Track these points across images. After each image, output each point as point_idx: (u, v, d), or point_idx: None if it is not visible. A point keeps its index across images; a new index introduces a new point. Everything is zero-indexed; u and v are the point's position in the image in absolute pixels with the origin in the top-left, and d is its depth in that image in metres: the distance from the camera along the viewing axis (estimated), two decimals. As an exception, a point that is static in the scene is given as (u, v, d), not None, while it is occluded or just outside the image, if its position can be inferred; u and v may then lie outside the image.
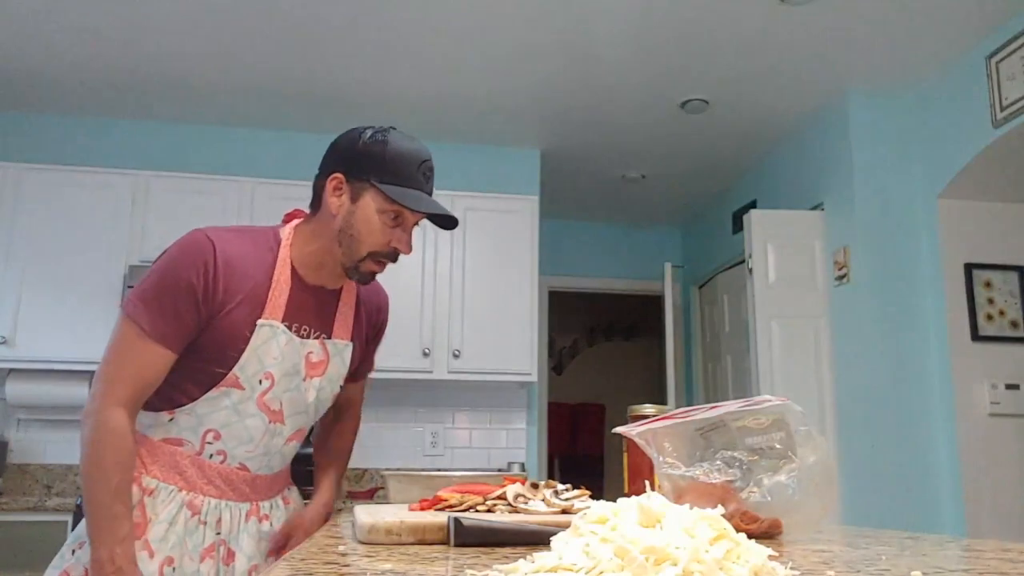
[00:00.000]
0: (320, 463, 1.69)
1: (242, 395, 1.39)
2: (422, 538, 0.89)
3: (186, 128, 4.14)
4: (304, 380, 1.45)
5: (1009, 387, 3.40)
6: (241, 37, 3.32)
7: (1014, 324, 3.49)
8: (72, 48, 3.41)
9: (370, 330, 1.61)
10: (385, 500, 1.53)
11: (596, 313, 7.77)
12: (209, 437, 1.40)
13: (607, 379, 7.88)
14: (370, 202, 1.39)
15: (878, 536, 1.05)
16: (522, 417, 4.24)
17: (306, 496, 1.63)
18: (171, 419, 1.40)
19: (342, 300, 1.52)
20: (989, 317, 3.46)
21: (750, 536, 0.60)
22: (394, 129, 1.43)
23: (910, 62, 3.43)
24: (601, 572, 0.52)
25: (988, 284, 3.49)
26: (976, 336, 3.43)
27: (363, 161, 1.39)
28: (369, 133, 1.41)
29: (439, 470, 3.97)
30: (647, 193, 5.06)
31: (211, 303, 1.34)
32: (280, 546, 1.49)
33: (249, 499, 1.46)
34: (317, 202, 1.45)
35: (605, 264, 5.56)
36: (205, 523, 1.40)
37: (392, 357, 3.63)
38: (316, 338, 1.46)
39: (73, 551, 1.39)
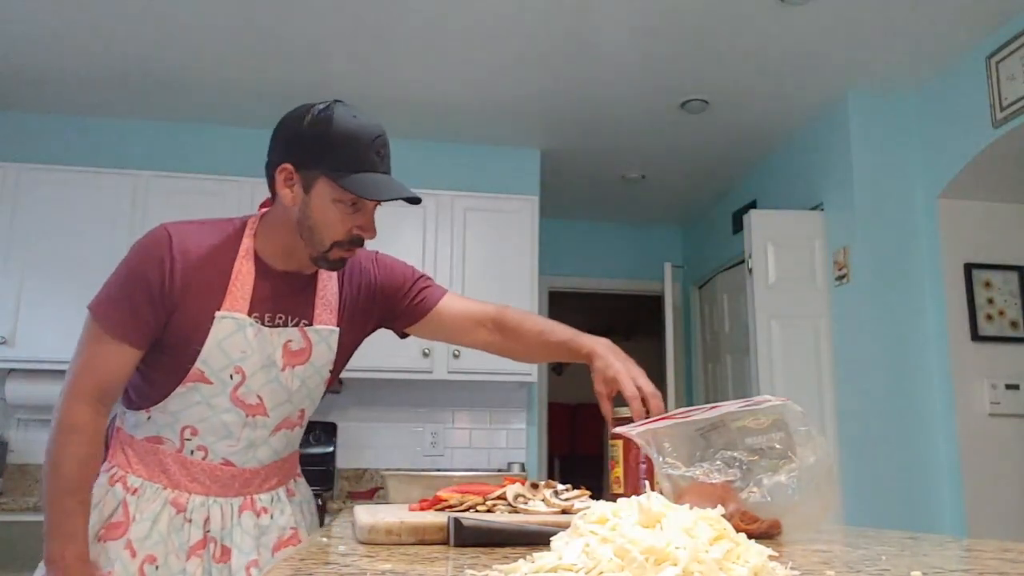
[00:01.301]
0: (539, 338, 1.52)
1: (212, 390, 1.35)
2: (422, 538, 0.89)
3: (186, 128, 4.14)
4: (282, 371, 1.39)
5: (1009, 387, 3.40)
6: (242, 38, 3.32)
7: (1014, 324, 3.49)
8: (72, 48, 3.41)
9: (368, 295, 1.52)
10: (385, 500, 1.53)
11: (596, 313, 7.76)
12: (187, 433, 1.38)
13: (607, 379, 7.87)
14: (323, 192, 1.30)
15: (878, 536, 1.05)
16: (522, 417, 4.24)
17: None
18: (148, 417, 1.39)
19: (320, 284, 1.45)
20: (989, 317, 3.46)
21: (750, 536, 0.60)
22: (340, 103, 1.32)
23: (910, 62, 3.43)
24: (601, 572, 0.52)
25: (988, 284, 3.49)
26: (976, 336, 3.43)
27: (310, 148, 1.29)
28: (312, 115, 1.30)
29: (439, 470, 3.97)
30: (647, 193, 5.06)
31: (168, 298, 1.32)
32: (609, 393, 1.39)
33: (241, 493, 1.43)
34: (273, 192, 1.38)
35: (605, 264, 5.56)
36: (191, 521, 1.38)
37: (392, 357, 3.63)
38: (295, 326, 1.40)
39: None
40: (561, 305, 5.87)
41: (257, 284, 1.37)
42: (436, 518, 0.93)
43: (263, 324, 1.38)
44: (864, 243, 3.57)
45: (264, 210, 1.44)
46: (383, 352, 3.66)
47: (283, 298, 1.40)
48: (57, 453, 1.31)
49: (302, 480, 1.60)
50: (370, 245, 1.57)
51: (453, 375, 3.81)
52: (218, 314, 1.33)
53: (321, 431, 3.82)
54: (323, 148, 1.29)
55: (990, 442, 3.35)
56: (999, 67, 3.12)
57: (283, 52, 3.43)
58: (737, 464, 0.99)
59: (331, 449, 3.83)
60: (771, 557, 0.56)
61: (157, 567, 1.33)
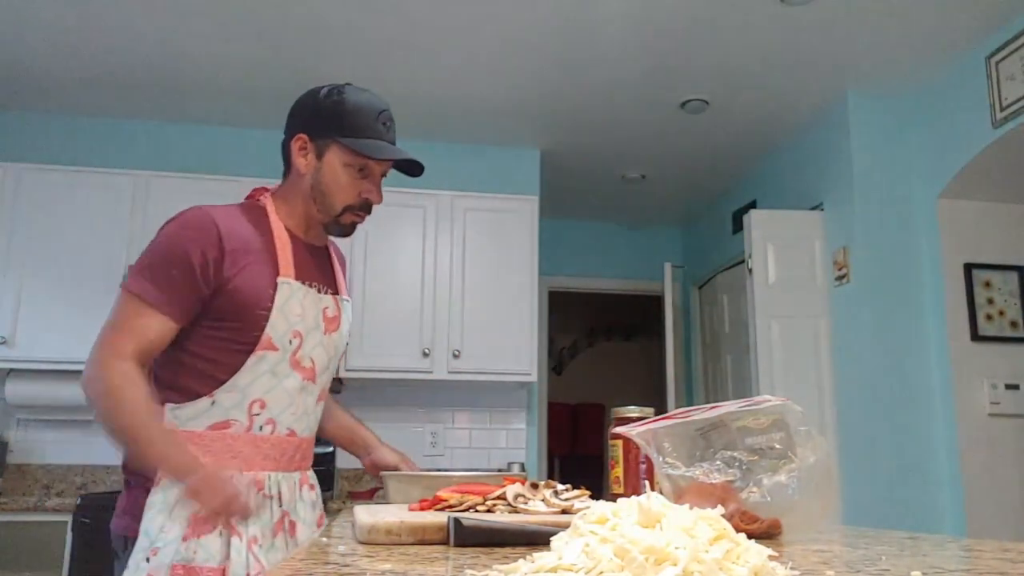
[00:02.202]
0: (343, 427, 1.78)
1: (276, 356, 1.41)
2: (422, 538, 0.89)
3: (186, 128, 4.14)
4: (324, 334, 1.49)
5: (1009, 387, 3.40)
6: (241, 37, 3.32)
7: (1014, 324, 3.49)
8: (72, 48, 3.41)
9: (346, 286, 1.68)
10: (385, 500, 1.53)
11: (596, 313, 7.77)
12: (256, 408, 1.41)
13: (607, 379, 7.88)
14: (335, 157, 1.44)
15: (878, 536, 1.05)
16: (522, 417, 4.24)
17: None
18: (213, 402, 1.38)
19: (332, 259, 1.59)
20: (989, 317, 3.46)
21: (750, 536, 0.60)
22: (349, 85, 1.48)
23: (910, 62, 3.43)
24: (601, 572, 0.52)
25: (988, 284, 3.49)
26: (976, 336, 3.43)
27: (323, 118, 1.44)
28: (325, 91, 1.47)
29: (439, 470, 3.97)
30: (647, 193, 5.06)
31: (216, 275, 1.36)
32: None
33: (299, 467, 1.50)
34: (288, 166, 1.50)
35: (605, 264, 5.56)
36: (271, 497, 1.41)
37: (392, 357, 3.63)
38: (327, 293, 1.52)
39: (148, 559, 1.31)
40: (561, 305, 5.88)
41: (295, 253, 1.47)
42: (436, 518, 0.92)
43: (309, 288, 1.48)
44: (864, 243, 3.57)
45: (272, 188, 1.54)
46: (383, 352, 3.66)
47: (314, 267, 1.51)
48: (122, 400, 1.31)
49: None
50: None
51: (453, 375, 3.81)
52: (279, 279, 1.41)
53: (321, 431, 3.81)
54: (335, 116, 1.44)
55: (990, 442, 3.35)
56: (999, 67, 3.12)
57: (283, 52, 3.43)
58: (737, 464, 0.99)
59: (331, 449, 3.82)
60: (771, 557, 0.56)
61: (260, 546, 1.36)
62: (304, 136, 1.46)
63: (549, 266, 5.14)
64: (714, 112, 3.94)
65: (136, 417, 1.31)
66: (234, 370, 1.38)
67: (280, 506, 1.43)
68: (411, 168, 1.48)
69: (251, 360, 1.39)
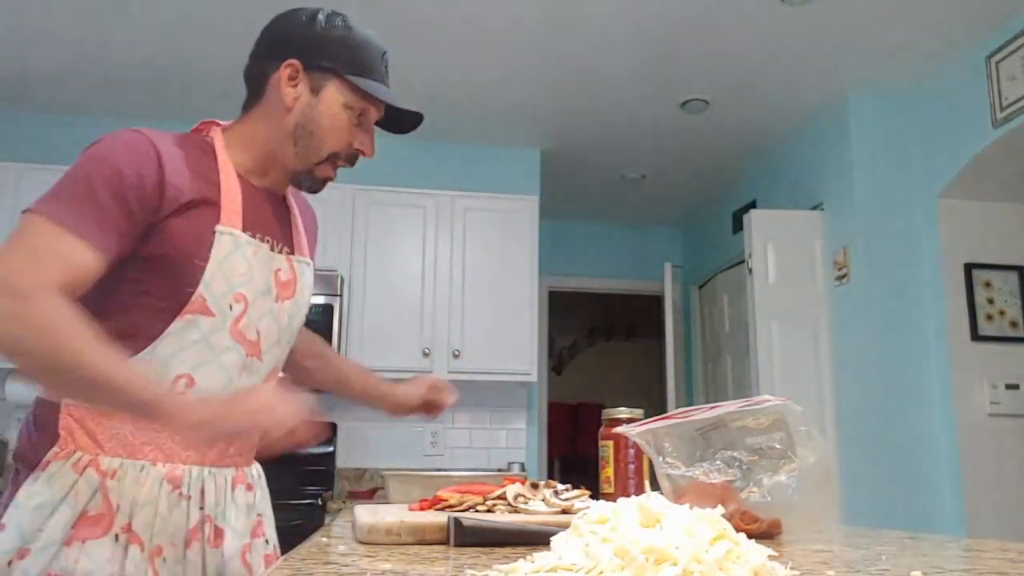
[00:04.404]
0: (339, 375, 1.53)
1: (213, 324, 1.13)
2: (422, 538, 0.89)
3: (186, 128, 4.13)
4: (276, 301, 1.23)
5: (1009, 387, 3.40)
6: (241, 37, 3.31)
7: (1014, 324, 3.49)
8: (72, 48, 3.41)
9: (312, 249, 1.39)
10: (385, 500, 1.53)
11: (596, 313, 7.77)
12: (181, 385, 1.12)
13: (607, 379, 7.88)
14: (335, 95, 1.22)
15: (878, 536, 1.05)
16: (522, 417, 4.24)
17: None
18: None
19: (292, 212, 1.33)
20: (989, 317, 3.46)
21: (750, 536, 0.60)
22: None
23: (910, 62, 3.43)
24: (601, 572, 0.52)
25: (988, 284, 3.49)
26: (976, 336, 3.43)
27: (325, 48, 1.21)
28: (324, 16, 1.23)
29: (439, 470, 3.97)
30: (647, 193, 5.06)
31: (153, 203, 1.09)
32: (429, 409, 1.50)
33: (235, 463, 1.23)
34: (257, 96, 1.26)
35: (605, 264, 5.56)
36: (189, 498, 1.14)
37: (392, 357, 3.63)
38: (281, 252, 1.26)
39: (10, 562, 1.05)
40: (561, 305, 5.88)
41: (245, 200, 1.21)
42: (436, 518, 0.93)
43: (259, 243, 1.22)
44: (864, 243, 3.57)
45: (224, 124, 1.31)
46: (383, 351, 3.66)
47: (268, 220, 1.25)
48: (60, 339, 0.99)
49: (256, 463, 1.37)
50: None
51: (453, 375, 3.81)
52: (218, 228, 1.14)
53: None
54: (343, 49, 1.22)
55: (990, 442, 3.35)
56: (999, 67, 3.12)
57: (283, 52, 3.43)
58: (737, 464, 1.00)
59: (331, 449, 3.83)
60: (771, 557, 0.56)
61: (165, 559, 1.10)
62: (297, 63, 1.20)
63: (549, 266, 5.14)
64: (714, 112, 3.94)
65: (97, 355, 1.00)
66: (157, 334, 1.10)
67: (201, 509, 1.15)
68: (402, 123, 1.28)
69: (177, 325, 1.11)
